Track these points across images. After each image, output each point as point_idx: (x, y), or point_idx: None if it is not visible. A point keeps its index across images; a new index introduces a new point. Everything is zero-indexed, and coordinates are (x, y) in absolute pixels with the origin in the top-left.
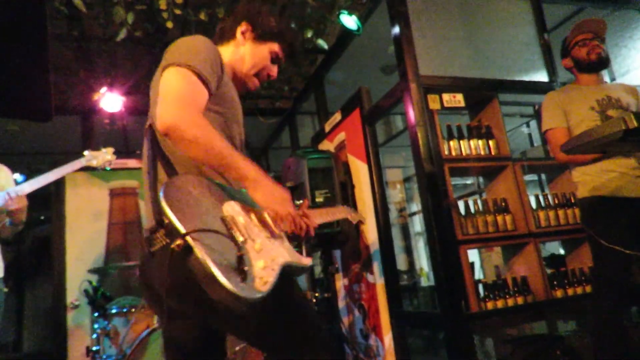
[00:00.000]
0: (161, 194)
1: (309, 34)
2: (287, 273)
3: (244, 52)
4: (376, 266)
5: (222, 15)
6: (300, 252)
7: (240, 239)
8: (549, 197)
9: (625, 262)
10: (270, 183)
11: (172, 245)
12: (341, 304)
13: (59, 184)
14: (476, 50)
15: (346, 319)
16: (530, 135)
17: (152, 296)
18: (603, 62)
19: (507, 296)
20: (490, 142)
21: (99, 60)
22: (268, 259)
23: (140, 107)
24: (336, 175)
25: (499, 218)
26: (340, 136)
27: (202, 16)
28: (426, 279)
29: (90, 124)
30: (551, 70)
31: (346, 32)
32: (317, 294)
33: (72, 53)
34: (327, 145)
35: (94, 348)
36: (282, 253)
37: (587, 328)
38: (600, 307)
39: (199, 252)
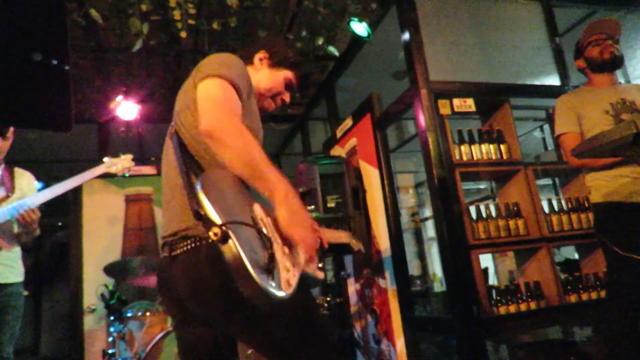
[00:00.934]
0: (198, 187)
1: (320, 41)
2: (303, 282)
3: (260, 76)
4: (388, 271)
5: (235, 25)
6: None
7: (270, 238)
8: (562, 202)
9: (637, 267)
10: (297, 203)
11: (209, 233)
12: (353, 309)
13: (76, 190)
14: (486, 55)
15: (358, 323)
16: (544, 139)
17: (172, 301)
18: (617, 62)
19: (520, 301)
20: (502, 147)
21: (114, 69)
22: (291, 262)
23: (155, 115)
24: (347, 181)
25: (511, 223)
26: (352, 142)
27: (215, 25)
28: (439, 284)
29: (106, 131)
30: (563, 74)
31: (357, 39)
32: (329, 299)
33: (89, 63)
34: (338, 151)
35: (110, 351)
36: (300, 261)
37: (602, 335)
38: (615, 315)
39: (235, 243)
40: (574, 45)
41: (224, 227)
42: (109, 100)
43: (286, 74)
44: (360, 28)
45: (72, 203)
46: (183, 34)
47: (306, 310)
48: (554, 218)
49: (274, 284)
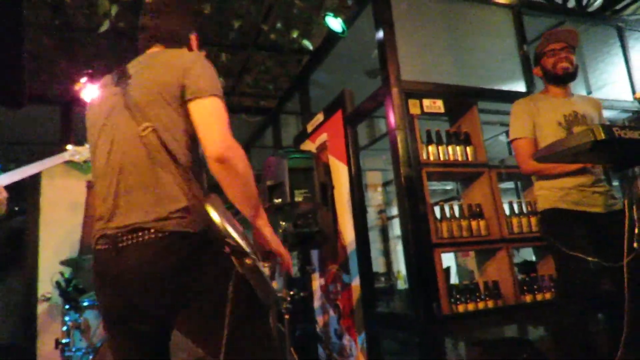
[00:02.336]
0: (215, 216)
1: (295, 35)
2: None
3: None
4: (353, 267)
5: (209, 12)
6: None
7: (255, 251)
8: (523, 205)
9: (586, 269)
10: (277, 238)
11: (246, 261)
12: (317, 303)
13: (35, 174)
14: (458, 58)
15: (321, 318)
16: (509, 143)
17: (115, 296)
18: (569, 76)
19: (479, 300)
20: (468, 149)
21: (81, 50)
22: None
23: None
24: (316, 176)
25: (474, 223)
26: (322, 137)
27: None
28: (403, 282)
29: (70, 114)
30: (529, 81)
31: (332, 34)
32: (292, 293)
33: (54, 42)
34: (309, 146)
35: (64, 341)
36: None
37: (553, 334)
38: (565, 314)
39: (259, 264)
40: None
41: (253, 257)
42: (74, 82)
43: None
44: (335, 23)
45: (30, 187)
46: None
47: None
48: (514, 220)
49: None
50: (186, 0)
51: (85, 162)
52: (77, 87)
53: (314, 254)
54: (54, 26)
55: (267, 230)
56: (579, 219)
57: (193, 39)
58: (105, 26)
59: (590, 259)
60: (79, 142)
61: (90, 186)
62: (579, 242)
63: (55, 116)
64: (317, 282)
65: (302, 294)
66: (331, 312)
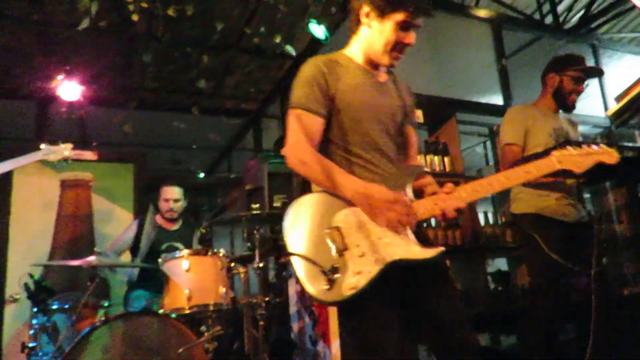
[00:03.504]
0: (285, 222)
1: (278, 39)
2: (408, 267)
3: (371, 35)
4: None
5: (191, 13)
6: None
7: (335, 251)
8: (498, 216)
9: (562, 273)
10: (368, 193)
11: (282, 259)
12: (293, 309)
13: (7, 172)
14: (438, 70)
15: (297, 324)
16: (486, 154)
17: None
18: (571, 110)
19: None
20: (446, 159)
21: (59, 46)
22: (368, 263)
23: (101, 97)
24: (296, 181)
25: (449, 232)
26: None
27: (171, 12)
28: None
29: (46, 111)
30: (507, 94)
31: (315, 41)
32: (268, 299)
33: (31, 37)
34: None
35: (31, 344)
36: (394, 251)
37: (524, 342)
38: (535, 317)
39: (295, 264)
40: (519, 68)
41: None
42: (50, 79)
43: (395, 17)
44: (318, 30)
45: (1, 185)
46: (135, 17)
47: (366, 325)
48: (489, 230)
49: (328, 292)
50: None
51: (59, 161)
52: (53, 83)
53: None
54: (32, 20)
55: (360, 207)
56: (557, 226)
57: (361, 13)
58: (84, 23)
59: (567, 264)
60: (54, 141)
61: (64, 185)
62: (556, 247)
63: (30, 112)
64: (293, 288)
65: (277, 299)
66: (306, 319)
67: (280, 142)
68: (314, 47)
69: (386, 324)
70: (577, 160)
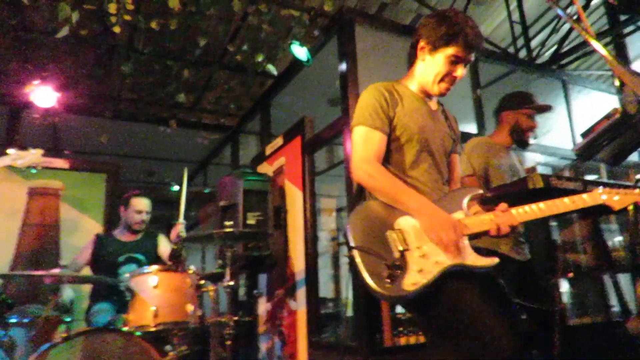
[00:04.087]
0: (347, 223)
1: (260, 58)
2: (463, 274)
3: (425, 67)
4: (300, 293)
5: (175, 27)
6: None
7: (400, 248)
8: None
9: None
10: (430, 212)
11: (346, 254)
12: (262, 329)
13: None
14: None
15: (265, 344)
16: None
17: None
18: (527, 146)
19: (420, 333)
20: None
21: (37, 53)
22: (429, 263)
23: (76, 105)
24: (271, 199)
25: None
26: (280, 160)
27: (154, 25)
28: (351, 309)
29: (18, 116)
30: (480, 124)
31: (296, 61)
32: (236, 318)
33: (7, 41)
34: (266, 168)
35: None
36: (449, 256)
37: None
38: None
39: (357, 260)
40: (493, 98)
41: (353, 251)
42: (25, 84)
43: (445, 51)
44: (301, 52)
45: None
46: (117, 29)
47: (453, 303)
48: None
49: (390, 287)
50: None
51: (27, 167)
52: (28, 89)
53: (262, 278)
54: (10, 25)
55: (420, 221)
56: (502, 261)
57: (418, 48)
58: (63, 32)
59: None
60: (24, 147)
61: (32, 193)
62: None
63: (1, 117)
64: (263, 307)
65: (247, 318)
66: (276, 339)
67: (258, 158)
68: (295, 67)
69: (471, 295)
70: (621, 198)
